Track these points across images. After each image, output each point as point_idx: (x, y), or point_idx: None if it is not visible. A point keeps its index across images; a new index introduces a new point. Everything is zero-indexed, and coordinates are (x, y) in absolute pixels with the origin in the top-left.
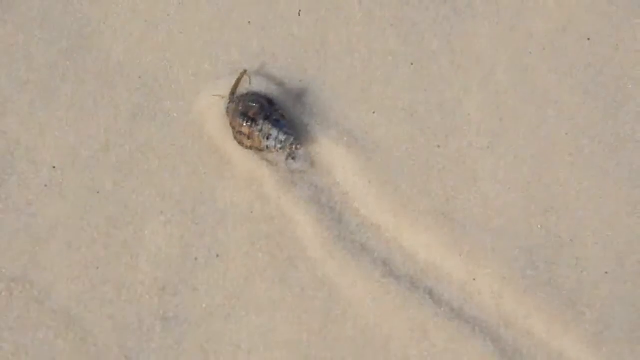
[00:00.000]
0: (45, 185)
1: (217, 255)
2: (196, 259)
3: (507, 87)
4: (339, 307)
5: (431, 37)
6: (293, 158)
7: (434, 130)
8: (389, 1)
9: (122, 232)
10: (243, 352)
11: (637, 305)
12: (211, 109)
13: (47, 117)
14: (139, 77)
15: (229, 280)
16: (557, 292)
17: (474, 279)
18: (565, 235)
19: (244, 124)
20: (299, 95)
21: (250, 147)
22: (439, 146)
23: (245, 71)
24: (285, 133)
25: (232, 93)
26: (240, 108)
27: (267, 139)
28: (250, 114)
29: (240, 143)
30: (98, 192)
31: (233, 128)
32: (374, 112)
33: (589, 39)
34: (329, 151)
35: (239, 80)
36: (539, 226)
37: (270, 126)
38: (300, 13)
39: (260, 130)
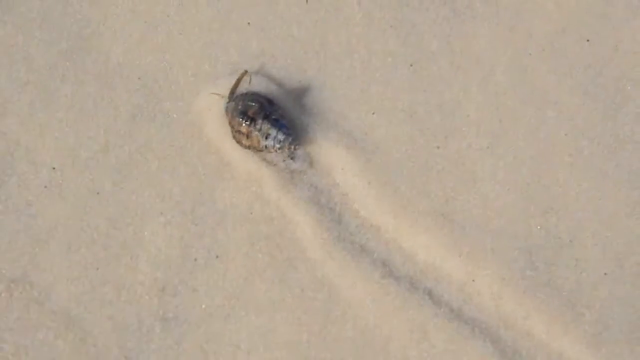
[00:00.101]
0: (45, 186)
1: (217, 256)
2: (196, 259)
3: (507, 88)
4: (339, 308)
5: (430, 38)
6: (292, 158)
7: (433, 131)
8: (389, 2)
9: (122, 233)
10: (242, 352)
11: (636, 306)
12: (211, 110)
13: (47, 118)
14: (139, 78)
15: (229, 280)
16: (557, 293)
17: (474, 280)
18: (564, 236)
19: (243, 123)
20: (299, 96)
21: (249, 147)
22: (438, 147)
23: (245, 72)
24: (285, 133)
25: (232, 92)
26: (240, 107)
27: (266, 138)
28: (250, 113)
29: (239, 142)
30: (98, 193)
31: (232, 127)
32: (373, 113)
33: (588, 40)
34: (328, 152)
35: (239, 80)
36: (539, 227)
37: (269, 126)
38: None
39: (259, 130)
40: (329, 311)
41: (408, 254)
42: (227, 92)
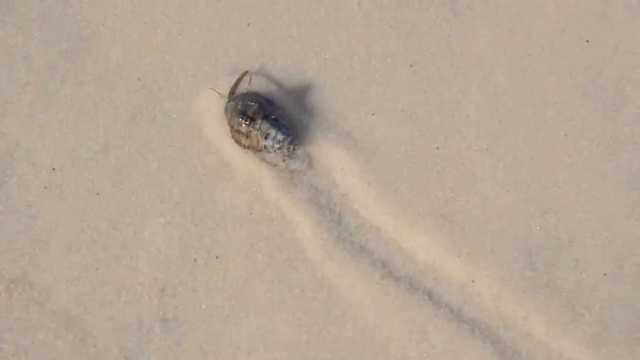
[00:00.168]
0: (45, 187)
1: (217, 257)
2: (195, 260)
3: (506, 88)
4: (339, 308)
5: (430, 39)
6: (291, 158)
7: (433, 131)
8: (388, 3)
9: (122, 234)
10: (242, 353)
11: (635, 306)
12: (210, 110)
13: (47, 118)
14: (138, 79)
15: (229, 281)
16: (556, 293)
17: (473, 281)
18: (564, 237)
19: (243, 123)
20: (298, 97)
21: (248, 147)
22: (438, 148)
23: (246, 72)
24: (284, 133)
25: (232, 92)
26: (239, 107)
27: (266, 138)
28: (249, 113)
29: (238, 142)
30: (98, 194)
31: (231, 127)
32: (373, 114)
33: (587, 41)
34: (328, 153)
35: (238, 80)
36: (538, 228)
37: (268, 125)
38: None
39: (259, 130)
40: (328, 311)
41: (408, 254)
42: (226, 92)
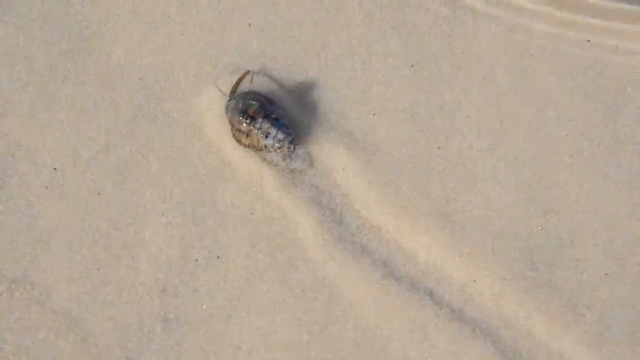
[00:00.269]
0: (46, 187)
1: (218, 257)
2: (197, 260)
3: (507, 88)
4: (340, 308)
5: (431, 39)
6: (292, 157)
7: (434, 131)
8: (389, 3)
9: (123, 234)
10: (244, 353)
11: (637, 306)
12: (211, 110)
13: (48, 118)
14: (140, 79)
15: (230, 281)
16: (557, 293)
17: (474, 281)
18: (565, 237)
19: (244, 122)
20: (299, 97)
21: (249, 146)
22: (439, 148)
23: (248, 72)
24: (284, 132)
25: (233, 91)
26: (240, 106)
27: (266, 137)
28: (250, 111)
29: (239, 141)
30: (99, 194)
31: (232, 126)
32: (374, 114)
33: (589, 41)
34: (329, 152)
35: (240, 79)
36: (539, 227)
37: (269, 125)
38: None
39: (259, 129)
40: (330, 311)
41: (409, 254)
42: (228, 91)
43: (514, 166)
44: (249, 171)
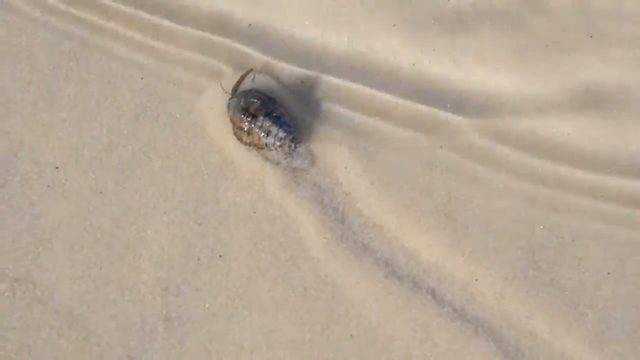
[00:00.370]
0: (48, 186)
1: (220, 256)
2: (199, 259)
3: (509, 86)
4: (342, 307)
5: (433, 37)
6: (292, 156)
7: (436, 130)
8: (392, 0)
9: (125, 232)
10: (246, 351)
11: (639, 305)
12: (213, 109)
13: (50, 117)
14: (142, 78)
15: (232, 280)
16: (559, 292)
17: (476, 280)
18: (567, 236)
19: (245, 120)
20: (301, 95)
21: (250, 144)
22: (441, 147)
23: (251, 69)
24: (286, 130)
25: (235, 89)
26: (242, 104)
27: (267, 135)
28: (251, 109)
29: (240, 139)
30: (101, 193)
31: (233, 124)
32: (376, 113)
33: (591, 37)
34: (331, 151)
35: (243, 77)
36: (541, 227)
37: (270, 123)
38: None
39: (260, 127)
40: (332, 310)
41: (411, 253)
42: (230, 89)
43: (516, 164)
44: (251, 170)
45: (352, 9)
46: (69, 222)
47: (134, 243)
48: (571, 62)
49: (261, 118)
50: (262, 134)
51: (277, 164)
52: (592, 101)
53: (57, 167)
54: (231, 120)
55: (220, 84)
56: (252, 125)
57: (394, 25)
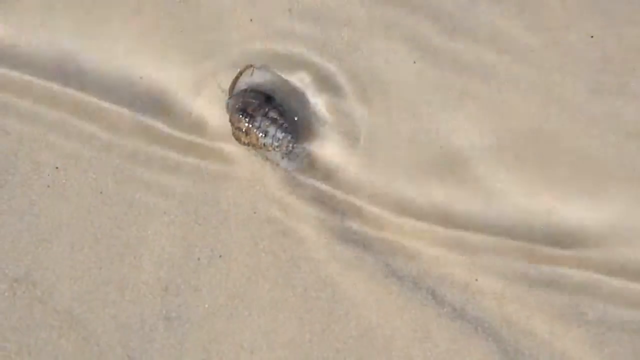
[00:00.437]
0: (48, 186)
1: (220, 256)
2: (199, 259)
3: (509, 85)
4: (342, 308)
5: (434, 35)
6: (289, 157)
7: (435, 129)
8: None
9: (125, 232)
10: (246, 351)
11: (639, 305)
12: (213, 109)
13: (49, 117)
14: (140, 78)
15: (232, 280)
16: (559, 292)
17: (476, 280)
18: (567, 235)
19: (242, 120)
20: (300, 95)
21: (248, 144)
22: (441, 147)
23: (249, 66)
24: (283, 131)
25: (232, 88)
26: (240, 104)
27: (265, 136)
28: (249, 110)
29: (238, 139)
30: (101, 192)
31: (232, 124)
32: (376, 112)
33: (592, 37)
34: (331, 151)
35: (240, 75)
36: (541, 226)
37: (268, 123)
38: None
39: (258, 127)
40: (332, 310)
41: (411, 253)
42: (228, 88)
43: (516, 164)
44: (251, 170)
45: (354, 8)
46: (69, 222)
47: (134, 243)
48: None
49: (259, 118)
50: (260, 134)
51: (277, 164)
52: None
53: (56, 167)
54: (230, 120)
55: (218, 83)
56: (250, 126)
57: (394, 23)
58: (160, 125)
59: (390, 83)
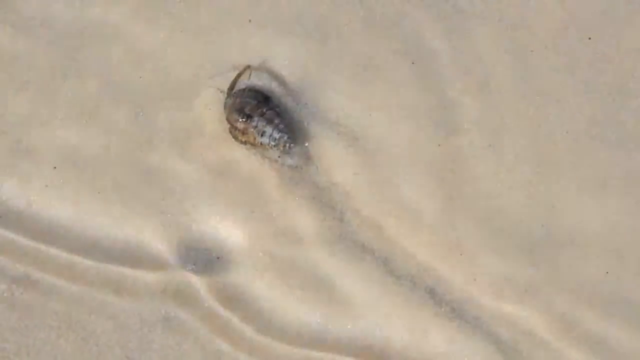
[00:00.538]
0: (46, 186)
1: (217, 258)
2: (198, 259)
3: (508, 85)
4: (341, 307)
5: (432, 36)
6: (287, 155)
7: (434, 129)
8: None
9: (125, 233)
10: None
11: (638, 304)
12: (212, 108)
13: (48, 116)
14: (140, 77)
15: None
16: (558, 292)
17: (475, 279)
18: (566, 235)
19: (240, 120)
20: (299, 94)
21: (245, 143)
22: (439, 145)
23: (248, 66)
24: (280, 131)
25: (231, 88)
26: (237, 104)
27: (262, 135)
28: (247, 110)
29: (236, 139)
30: (99, 193)
31: (230, 123)
32: (374, 111)
33: (589, 38)
34: (329, 150)
35: (239, 75)
36: (540, 225)
37: (265, 123)
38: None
39: (255, 127)
40: (331, 310)
41: (409, 252)
42: (226, 88)
43: (515, 164)
44: (249, 169)
45: (353, 8)
46: (68, 222)
47: (134, 243)
48: None
49: (256, 118)
50: (257, 134)
51: (276, 162)
52: None
53: (55, 167)
54: (227, 120)
55: (214, 84)
56: (247, 126)
57: (393, 23)
58: (159, 124)
59: (389, 82)
